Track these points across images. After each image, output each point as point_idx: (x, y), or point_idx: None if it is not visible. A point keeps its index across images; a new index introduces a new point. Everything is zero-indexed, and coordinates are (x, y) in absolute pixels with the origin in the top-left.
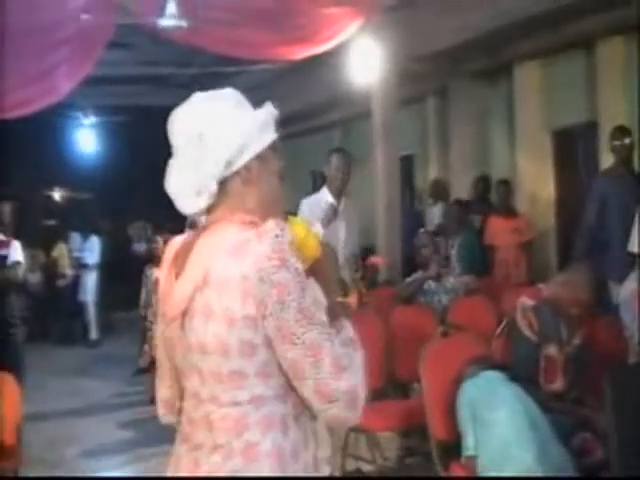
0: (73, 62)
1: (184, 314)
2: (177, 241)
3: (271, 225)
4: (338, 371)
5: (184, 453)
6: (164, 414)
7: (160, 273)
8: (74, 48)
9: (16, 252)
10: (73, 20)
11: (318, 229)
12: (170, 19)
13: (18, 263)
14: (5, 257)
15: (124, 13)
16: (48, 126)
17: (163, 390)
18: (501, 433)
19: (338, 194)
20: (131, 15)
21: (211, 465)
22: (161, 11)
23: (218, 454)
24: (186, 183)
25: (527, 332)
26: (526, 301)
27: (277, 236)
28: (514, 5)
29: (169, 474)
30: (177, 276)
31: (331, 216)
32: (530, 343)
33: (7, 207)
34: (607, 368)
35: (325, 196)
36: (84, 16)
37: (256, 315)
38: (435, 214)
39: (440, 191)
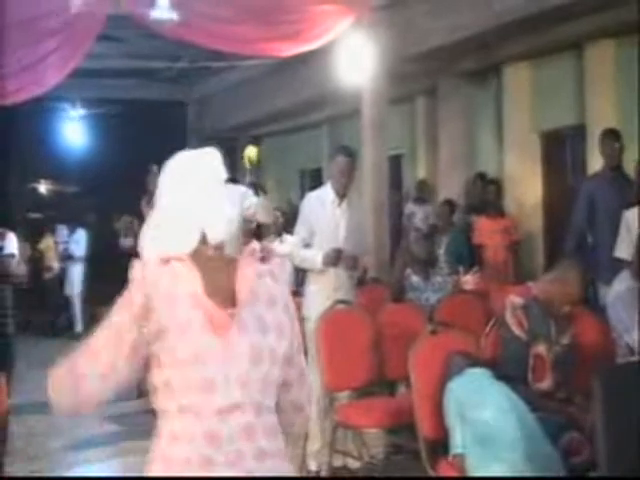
0: (63, 53)
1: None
2: (184, 262)
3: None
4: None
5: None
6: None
7: (173, 287)
8: (64, 39)
9: (11, 244)
10: (63, 11)
11: (317, 261)
12: (161, 11)
13: (13, 255)
14: (1, 249)
15: (115, 5)
16: (35, 117)
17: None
18: (489, 431)
19: (342, 194)
20: (122, 7)
21: (263, 473)
22: (152, 3)
23: (265, 460)
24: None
25: (516, 330)
26: (515, 299)
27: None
28: (504, 6)
29: None
30: (209, 294)
31: (334, 261)
32: (519, 341)
33: None
34: (595, 368)
35: (328, 194)
36: (75, 7)
37: (291, 336)
38: (418, 213)
39: (425, 192)
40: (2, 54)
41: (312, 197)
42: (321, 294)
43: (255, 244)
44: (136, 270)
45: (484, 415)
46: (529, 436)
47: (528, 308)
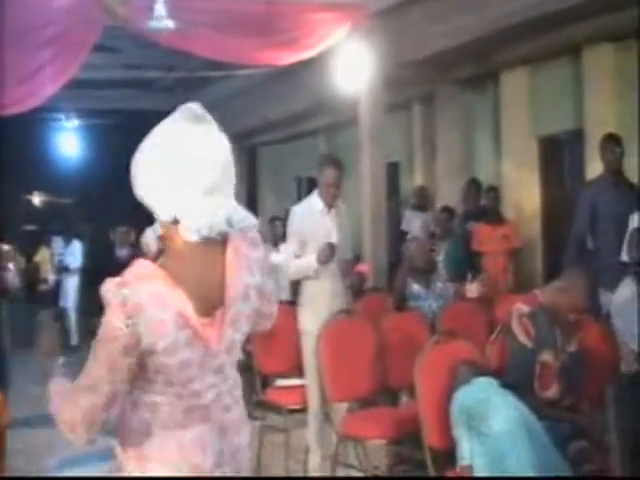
0: (58, 64)
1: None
2: (166, 280)
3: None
4: None
5: (204, 432)
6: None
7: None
8: (59, 50)
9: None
10: (58, 21)
11: (312, 263)
12: (158, 21)
13: (8, 269)
14: None
15: (110, 15)
16: (29, 129)
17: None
18: (497, 442)
19: (330, 203)
20: (119, 17)
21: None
22: (149, 13)
23: (231, 411)
24: None
25: (523, 338)
26: (522, 307)
27: None
28: (501, 12)
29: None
30: (195, 300)
31: (329, 256)
32: (525, 349)
33: None
34: (600, 376)
35: (316, 203)
36: (70, 17)
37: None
38: (415, 220)
39: (424, 199)
40: None
41: (299, 210)
42: (318, 303)
43: None
44: (112, 293)
45: (492, 425)
46: (537, 445)
47: (534, 316)
